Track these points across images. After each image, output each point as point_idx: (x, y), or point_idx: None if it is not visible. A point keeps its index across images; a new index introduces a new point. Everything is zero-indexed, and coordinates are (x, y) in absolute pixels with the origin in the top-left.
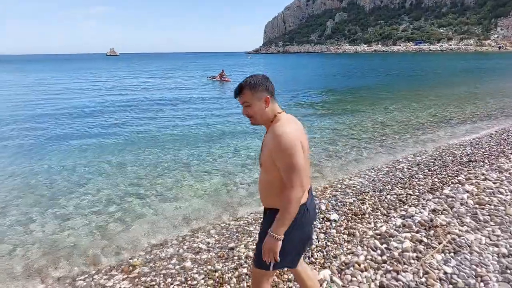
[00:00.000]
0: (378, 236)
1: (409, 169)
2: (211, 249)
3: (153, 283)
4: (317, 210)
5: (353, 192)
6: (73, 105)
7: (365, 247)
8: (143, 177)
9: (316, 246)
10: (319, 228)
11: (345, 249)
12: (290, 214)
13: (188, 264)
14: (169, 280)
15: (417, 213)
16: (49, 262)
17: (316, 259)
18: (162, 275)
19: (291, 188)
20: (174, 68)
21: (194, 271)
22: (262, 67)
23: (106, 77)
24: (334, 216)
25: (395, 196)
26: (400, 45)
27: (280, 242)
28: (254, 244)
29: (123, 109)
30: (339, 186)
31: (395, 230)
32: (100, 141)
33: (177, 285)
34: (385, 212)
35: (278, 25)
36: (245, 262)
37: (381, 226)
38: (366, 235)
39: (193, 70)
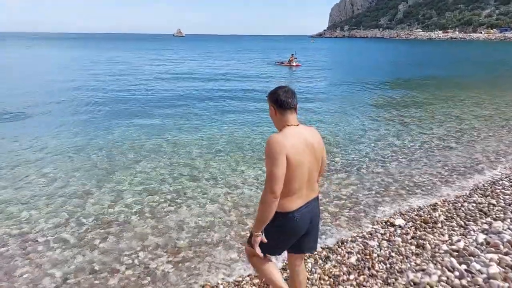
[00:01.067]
0: (455, 253)
1: (491, 172)
2: None
3: (196, 271)
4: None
5: (423, 193)
6: (140, 85)
7: (439, 265)
8: (198, 158)
9: (378, 256)
10: (381, 234)
11: (413, 263)
12: (260, 213)
13: (234, 255)
14: (214, 270)
15: (505, 230)
16: (98, 235)
17: (377, 271)
18: (207, 263)
19: (264, 192)
20: (240, 51)
21: (239, 265)
22: (325, 52)
23: (173, 59)
24: (399, 221)
25: (473, 204)
26: (481, 32)
27: (256, 237)
28: None
29: (187, 92)
30: (406, 183)
31: (476, 248)
32: (160, 120)
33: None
34: (462, 223)
35: (346, 8)
36: None
37: (458, 241)
38: (439, 249)
39: (258, 53)
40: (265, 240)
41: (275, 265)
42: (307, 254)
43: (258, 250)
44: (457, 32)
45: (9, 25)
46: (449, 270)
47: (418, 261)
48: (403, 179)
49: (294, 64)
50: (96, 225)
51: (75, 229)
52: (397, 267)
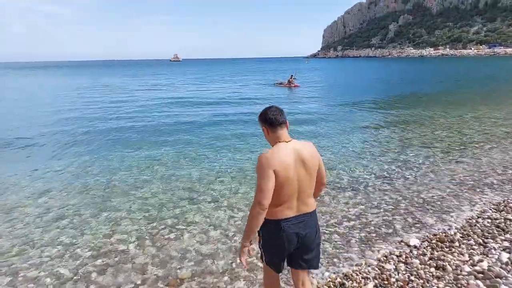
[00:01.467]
0: (480, 275)
1: (501, 185)
2: None
3: None
4: (319, 235)
5: (434, 209)
6: (136, 112)
7: None
8: (198, 181)
9: (397, 280)
10: (397, 256)
11: None
12: (248, 224)
13: (241, 285)
14: None
15: None
16: (95, 268)
17: None
18: None
19: (253, 203)
20: (237, 73)
21: None
22: (321, 72)
23: (171, 85)
24: (414, 241)
25: (489, 220)
26: (471, 49)
27: (243, 247)
28: None
29: (186, 118)
30: (415, 200)
31: (502, 268)
32: (158, 146)
33: None
34: (481, 241)
35: (338, 29)
36: None
37: (480, 261)
38: (461, 271)
39: (256, 75)
40: (252, 251)
41: None
42: (318, 279)
43: (244, 260)
44: (447, 49)
45: (4, 56)
46: None
47: (441, 285)
48: (411, 196)
49: (293, 85)
50: (93, 257)
51: (70, 262)
52: None
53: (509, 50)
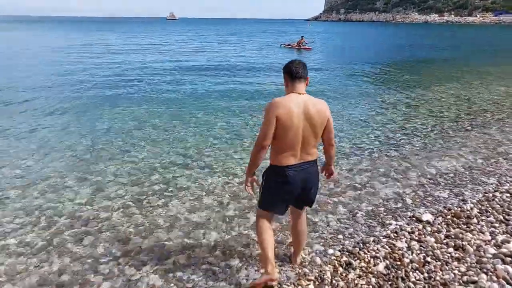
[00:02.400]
0: (509, 259)
1: None
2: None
3: (189, 284)
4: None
5: (447, 182)
6: (133, 67)
7: (493, 276)
8: (192, 146)
9: (411, 261)
10: (409, 233)
11: (456, 272)
12: (250, 159)
13: (235, 262)
14: (211, 282)
15: None
16: (72, 237)
17: (415, 283)
18: (202, 272)
19: (255, 142)
20: (238, 33)
21: (241, 275)
22: (328, 35)
23: (169, 40)
24: (427, 216)
25: (508, 195)
26: (476, 16)
27: (248, 177)
28: None
29: (182, 78)
30: (426, 169)
31: None
32: (151, 104)
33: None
34: (502, 217)
35: None
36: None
37: (506, 242)
38: (485, 253)
39: (260, 36)
40: (255, 183)
41: (271, 235)
42: (321, 257)
43: (249, 190)
44: (452, 16)
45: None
46: (508, 283)
47: (463, 269)
48: (421, 164)
49: (304, 47)
50: (71, 225)
51: (44, 229)
52: (438, 278)
53: None
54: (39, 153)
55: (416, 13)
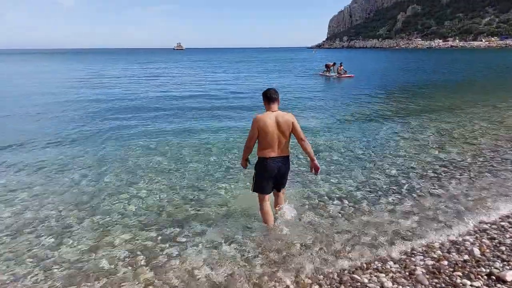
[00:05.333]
0: None
1: None
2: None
3: None
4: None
5: None
6: (144, 96)
7: None
8: (204, 178)
9: None
10: None
11: None
12: (243, 152)
13: None
14: None
15: None
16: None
17: None
18: None
19: (245, 143)
20: (255, 62)
21: None
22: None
23: (188, 71)
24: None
25: None
26: (482, 40)
27: (242, 160)
28: None
29: (198, 103)
30: (483, 211)
31: None
32: (161, 133)
33: None
34: None
35: (344, 19)
36: None
37: None
38: None
39: (277, 64)
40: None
41: (268, 212)
42: None
43: (243, 165)
44: (457, 41)
45: (7, 43)
46: None
47: None
48: (474, 205)
49: (345, 75)
50: (69, 279)
51: (38, 284)
52: None
53: None
54: (37, 186)
55: (420, 39)
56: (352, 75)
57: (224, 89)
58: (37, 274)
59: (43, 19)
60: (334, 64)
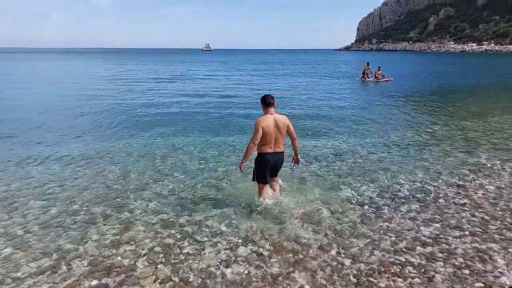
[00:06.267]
0: None
1: None
2: None
3: None
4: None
5: None
6: (178, 98)
7: None
8: (226, 179)
9: None
10: None
11: None
12: (246, 151)
13: None
14: None
15: None
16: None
17: None
18: None
19: (250, 141)
20: (290, 64)
21: None
22: (376, 64)
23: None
24: None
25: None
26: None
27: (242, 163)
28: None
29: (227, 102)
30: (509, 221)
31: None
32: (183, 131)
33: None
34: None
35: (374, 21)
36: None
37: None
38: None
39: (311, 67)
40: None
41: (267, 193)
42: None
43: (241, 169)
44: (492, 44)
45: (45, 41)
46: None
47: None
48: (503, 214)
49: (384, 78)
50: (90, 272)
51: (61, 276)
52: None
53: None
54: (65, 180)
55: (452, 42)
56: (391, 78)
57: (255, 94)
58: (61, 266)
59: (82, 19)
60: (379, 68)
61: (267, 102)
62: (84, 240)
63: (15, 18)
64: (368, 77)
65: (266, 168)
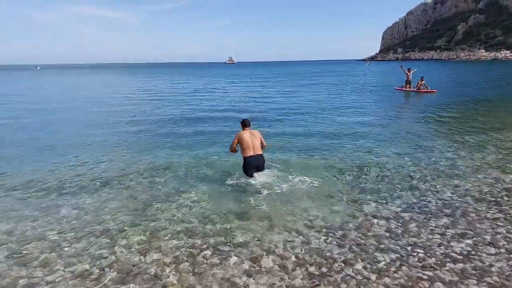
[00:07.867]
0: None
1: None
2: None
3: None
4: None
5: None
6: (200, 108)
7: None
8: (250, 191)
9: None
10: None
11: None
12: (230, 150)
13: None
14: None
15: None
16: None
17: None
18: None
19: (229, 147)
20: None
21: None
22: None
23: (269, 86)
24: None
25: None
26: None
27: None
28: None
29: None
30: None
31: None
32: (207, 143)
33: None
34: None
35: (399, 31)
36: None
37: None
38: None
39: (339, 77)
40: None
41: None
42: None
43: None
44: None
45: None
46: None
47: None
48: None
49: (426, 89)
50: (120, 279)
51: (93, 282)
52: None
53: None
54: (96, 190)
55: (483, 50)
56: (434, 90)
57: (284, 107)
58: (91, 273)
59: (114, 36)
60: (422, 78)
61: (244, 124)
62: (114, 248)
63: (53, 36)
64: (410, 87)
65: (249, 167)
